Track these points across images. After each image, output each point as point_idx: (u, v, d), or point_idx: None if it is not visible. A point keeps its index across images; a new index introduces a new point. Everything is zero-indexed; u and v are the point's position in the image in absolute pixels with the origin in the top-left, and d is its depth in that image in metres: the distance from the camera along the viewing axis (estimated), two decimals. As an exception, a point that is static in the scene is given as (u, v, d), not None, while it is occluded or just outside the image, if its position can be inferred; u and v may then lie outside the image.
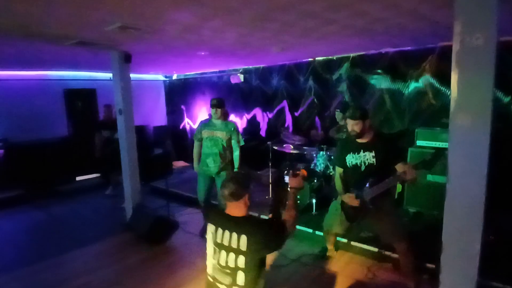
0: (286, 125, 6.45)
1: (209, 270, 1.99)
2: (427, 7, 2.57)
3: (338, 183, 3.13)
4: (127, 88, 4.47)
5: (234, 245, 1.82)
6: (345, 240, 3.77)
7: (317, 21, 2.93)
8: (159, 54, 4.80)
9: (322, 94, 5.88)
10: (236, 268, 1.83)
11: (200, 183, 4.10)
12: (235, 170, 3.87)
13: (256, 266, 1.85)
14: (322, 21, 2.91)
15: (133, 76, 7.75)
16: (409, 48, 4.74)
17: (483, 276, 2.15)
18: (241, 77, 6.89)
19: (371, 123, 2.90)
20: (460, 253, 2.00)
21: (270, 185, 5.02)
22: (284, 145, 5.15)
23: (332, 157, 4.66)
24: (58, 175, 6.52)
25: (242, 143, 4.03)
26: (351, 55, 5.39)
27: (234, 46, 4.09)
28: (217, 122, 3.95)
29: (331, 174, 4.70)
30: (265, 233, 1.84)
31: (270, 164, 4.94)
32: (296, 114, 6.32)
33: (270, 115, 6.80)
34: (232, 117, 7.46)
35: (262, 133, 6.97)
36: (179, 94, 8.81)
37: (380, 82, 5.17)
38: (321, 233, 3.69)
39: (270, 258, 2.07)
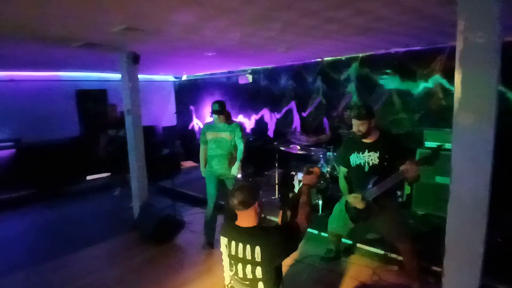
0: (293, 126, 6.42)
1: (227, 281, 2.00)
2: (429, 4, 2.52)
3: (342, 183, 3.11)
4: (135, 89, 4.53)
5: (249, 257, 1.81)
6: (350, 242, 3.74)
7: (318, 20, 2.91)
8: (167, 55, 4.85)
9: (330, 95, 5.84)
10: (255, 279, 1.83)
11: (209, 187, 3.95)
12: (238, 162, 3.81)
13: (274, 274, 1.85)
14: (323, 20, 2.89)
15: (143, 77, 7.93)
16: (418, 47, 4.67)
17: (489, 278, 2.10)
18: (250, 77, 6.90)
19: (376, 122, 2.86)
20: (463, 255, 1.95)
21: (277, 186, 5.00)
22: (291, 146, 5.13)
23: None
24: (68, 175, 6.64)
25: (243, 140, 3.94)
26: (360, 55, 5.34)
27: (239, 46, 4.09)
28: (220, 124, 3.88)
29: (338, 175, 4.65)
30: (279, 241, 1.81)
31: (276, 165, 4.92)
32: (304, 114, 6.29)
33: (278, 116, 6.79)
34: (240, 118, 7.49)
35: (270, 133, 6.97)
36: (188, 95, 8.88)
37: (389, 82, 5.11)
38: (326, 235, 3.67)
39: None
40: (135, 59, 4.37)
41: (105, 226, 4.86)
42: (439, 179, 4.12)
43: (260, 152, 6.33)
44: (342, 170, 3.12)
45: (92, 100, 7.35)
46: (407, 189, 4.57)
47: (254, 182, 2.08)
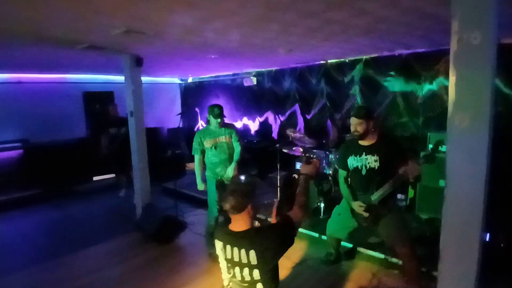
0: (297, 128, 6.40)
1: (226, 283, 2.01)
2: (430, 5, 2.49)
3: (343, 187, 3.07)
4: (138, 91, 4.58)
5: (245, 260, 1.80)
6: (351, 245, 3.70)
7: (318, 21, 2.90)
8: (170, 57, 4.89)
9: (335, 97, 5.81)
10: (253, 281, 1.83)
11: (213, 194, 3.77)
12: (233, 163, 3.75)
13: (272, 273, 1.86)
14: (323, 21, 2.88)
15: (149, 79, 8.02)
16: (423, 49, 4.61)
17: (491, 282, 2.05)
18: (254, 80, 6.92)
19: (376, 124, 2.83)
20: (458, 260, 1.91)
21: (279, 188, 4.99)
22: (293, 148, 5.11)
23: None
24: (75, 175, 6.74)
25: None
26: (364, 57, 5.30)
27: (241, 48, 4.11)
28: (216, 128, 3.70)
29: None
30: (273, 243, 1.80)
31: (278, 167, 4.91)
32: (308, 116, 6.27)
33: (282, 118, 6.78)
34: (245, 120, 7.50)
35: (275, 135, 6.96)
36: (193, 97, 8.94)
37: (394, 84, 5.06)
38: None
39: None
40: (138, 61, 4.43)
41: (108, 226, 4.90)
42: (442, 183, 4.03)
43: (264, 154, 6.33)
44: (341, 173, 3.09)
45: (99, 102, 7.45)
46: (411, 193, 4.50)
47: (249, 183, 2.06)
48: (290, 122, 6.58)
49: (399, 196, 4.62)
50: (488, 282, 2.65)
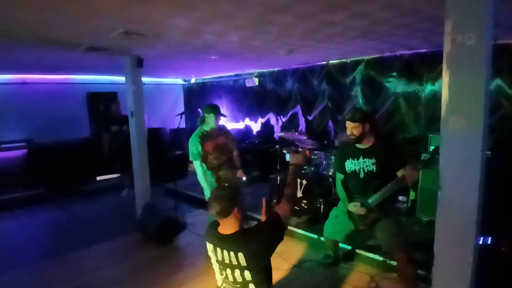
0: (299, 129, 6.38)
1: (219, 283, 2.02)
2: (426, 6, 2.47)
3: (339, 190, 3.05)
4: (139, 92, 4.60)
5: (235, 262, 1.82)
6: (349, 248, 3.67)
7: (316, 23, 2.90)
8: (172, 58, 4.91)
9: (336, 98, 5.78)
10: (245, 282, 1.85)
11: None
12: (239, 169, 3.78)
13: (264, 273, 1.88)
14: (321, 22, 2.87)
15: (152, 80, 8.07)
16: (424, 50, 4.57)
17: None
18: (256, 80, 6.92)
19: (372, 127, 2.80)
20: (452, 264, 1.88)
21: (279, 189, 4.97)
22: (294, 148, 5.10)
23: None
24: (79, 175, 6.79)
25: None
26: (365, 58, 5.27)
27: (240, 49, 4.11)
28: (212, 129, 3.58)
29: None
30: (260, 242, 1.82)
31: (278, 168, 4.90)
32: (310, 117, 6.25)
33: (284, 119, 6.77)
34: (247, 121, 7.51)
35: (276, 136, 6.94)
36: (196, 98, 8.97)
37: (395, 85, 5.02)
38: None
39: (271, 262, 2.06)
40: (139, 62, 4.46)
41: (110, 226, 4.94)
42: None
43: (265, 155, 6.31)
44: (338, 177, 3.07)
45: (102, 103, 7.51)
46: (412, 195, 4.46)
47: (232, 187, 2.06)
48: (292, 122, 6.56)
49: (400, 198, 4.58)
50: (489, 286, 2.63)
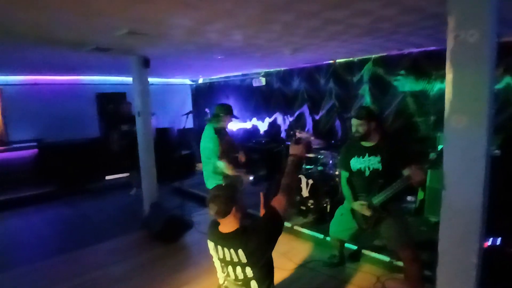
0: (306, 129, 6.35)
1: (221, 281, 2.03)
2: (430, 4, 2.42)
3: (344, 188, 3.03)
4: (146, 92, 4.64)
5: (235, 259, 1.84)
6: (355, 247, 3.64)
7: (319, 21, 2.87)
8: (177, 58, 4.94)
9: (343, 97, 5.73)
10: (247, 279, 1.86)
11: None
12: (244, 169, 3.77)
13: (265, 270, 1.89)
14: (323, 21, 2.85)
15: (161, 80, 8.14)
16: (433, 48, 4.49)
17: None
18: (263, 80, 6.91)
19: (378, 125, 2.77)
20: (456, 265, 1.84)
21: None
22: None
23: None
24: (88, 174, 6.90)
25: None
26: (373, 56, 5.21)
27: (245, 48, 4.11)
28: (223, 128, 3.63)
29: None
30: (259, 239, 1.82)
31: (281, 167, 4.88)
32: (317, 117, 6.21)
33: (291, 118, 6.74)
34: (254, 120, 7.51)
35: (283, 136, 6.93)
36: (204, 97, 9.02)
37: (403, 83, 4.95)
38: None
39: (275, 262, 2.05)
40: (145, 62, 4.49)
41: (117, 224, 4.99)
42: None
43: (272, 154, 6.31)
44: (343, 175, 3.04)
45: (112, 103, 7.60)
46: (420, 195, 4.39)
47: (229, 187, 2.06)
48: (299, 123, 6.53)
49: (409, 198, 4.52)
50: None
